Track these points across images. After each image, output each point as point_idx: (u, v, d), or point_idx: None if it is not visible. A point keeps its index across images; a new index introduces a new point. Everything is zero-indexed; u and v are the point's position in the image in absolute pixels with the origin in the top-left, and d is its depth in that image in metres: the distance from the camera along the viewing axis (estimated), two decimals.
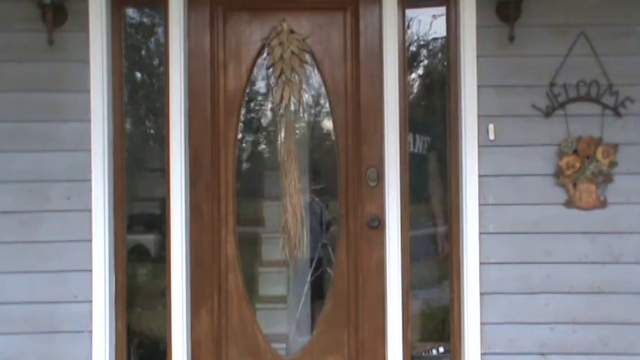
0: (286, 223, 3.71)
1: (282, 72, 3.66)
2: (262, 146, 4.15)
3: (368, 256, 3.66)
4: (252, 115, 3.92)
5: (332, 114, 3.75)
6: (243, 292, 3.73)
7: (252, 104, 3.85)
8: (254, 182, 4.14)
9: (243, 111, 3.78)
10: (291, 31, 3.68)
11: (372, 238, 3.65)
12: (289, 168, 3.70)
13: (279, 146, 3.76)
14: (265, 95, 3.86)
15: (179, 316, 3.57)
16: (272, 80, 3.72)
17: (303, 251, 3.76)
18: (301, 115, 3.77)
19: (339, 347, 3.74)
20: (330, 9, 3.72)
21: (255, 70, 3.76)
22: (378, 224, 3.61)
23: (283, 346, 3.91)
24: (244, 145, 3.91)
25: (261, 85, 3.87)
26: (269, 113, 3.92)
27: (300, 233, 3.72)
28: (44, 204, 3.50)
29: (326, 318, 3.76)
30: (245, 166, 3.93)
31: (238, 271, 3.73)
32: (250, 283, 3.87)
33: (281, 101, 3.69)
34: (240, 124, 3.77)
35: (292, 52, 3.64)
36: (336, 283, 3.76)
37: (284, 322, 4.08)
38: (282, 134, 3.73)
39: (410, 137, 3.71)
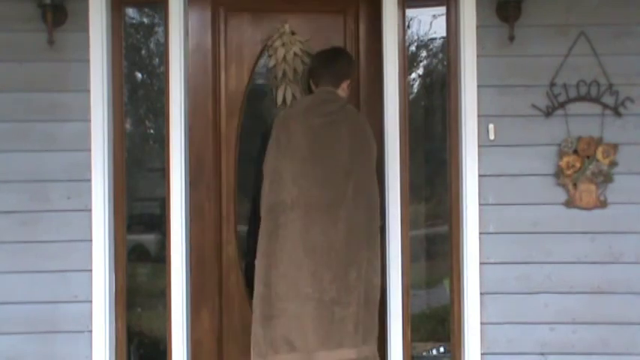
0: None
1: (284, 73, 3.67)
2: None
3: None
4: (254, 115, 3.91)
5: None
6: (244, 292, 3.73)
7: (253, 105, 3.84)
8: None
9: (244, 112, 3.78)
10: (293, 33, 3.69)
11: None
12: None
13: None
14: (267, 96, 3.86)
15: (179, 316, 3.57)
16: (273, 81, 3.72)
17: None
18: None
19: None
20: (330, 11, 3.75)
21: (257, 71, 3.77)
22: None
23: None
24: (246, 145, 3.90)
25: (262, 86, 3.87)
26: (270, 114, 3.92)
27: None
28: (44, 204, 3.50)
29: None
30: (247, 165, 3.92)
31: (240, 271, 3.74)
32: (252, 283, 3.85)
33: (283, 102, 3.70)
34: (242, 125, 3.77)
35: (295, 54, 3.65)
36: None
37: None
38: None
39: None
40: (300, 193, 3.05)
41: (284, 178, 3.08)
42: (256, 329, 3.08)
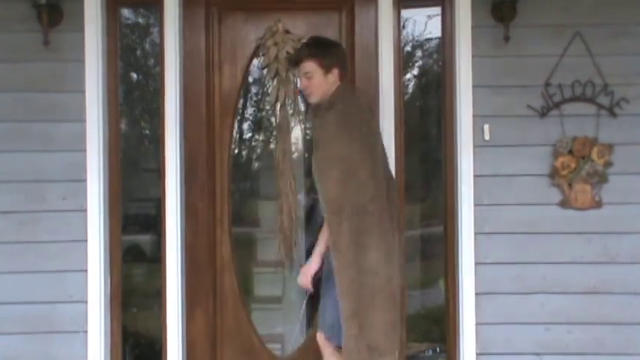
0: (282, 223, 3.70)
1: (277, 72, 3.66)
2: (257, 146, 4.14)
3: None
4: (247, 115, 3.92)
5: None
6: (237, 292, 3.73)
7: (247, 105, 3.85)
8: (249, 182, 4.13)
9: (238, 111, 3.78)
10: (287, 32, 3.68)
11: None
12: (285, 168, 3.69)
13: (274, 146, 3.76)
14: (260, 95, 3.86)
15: (174, 317, 3.57)
16: (267, 80, 3.72)
17: (299, 252, 3.73)
18: (296, 115, 3.76)
19: None
20: (325, 9, 3.72)
21: (251, 70, 3.76)
22: None
23: (279, 346, 3.90)
24: (239, 145, 3.91)
25: (256, 86, 3.87)
26: (264, 113, 3.92)
27: (295, 234, 3.70)
28: (40, 204, 3.51)
29: None
30: (240, 166, 3.92)
31: (233, 272, 3.73)
32: (245, 283, 3.86)
33: (276, 101, 3.69)
34: (235, 125, 3.77)
35: (287, 53, 3.64)
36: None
37: (279, 323, 4.07)
38: (277, 134, 3.72)
39: None
40: (375, 193, 2.89)
41: (362, 176, 2.87)
42: (349, 344, 2.91)
